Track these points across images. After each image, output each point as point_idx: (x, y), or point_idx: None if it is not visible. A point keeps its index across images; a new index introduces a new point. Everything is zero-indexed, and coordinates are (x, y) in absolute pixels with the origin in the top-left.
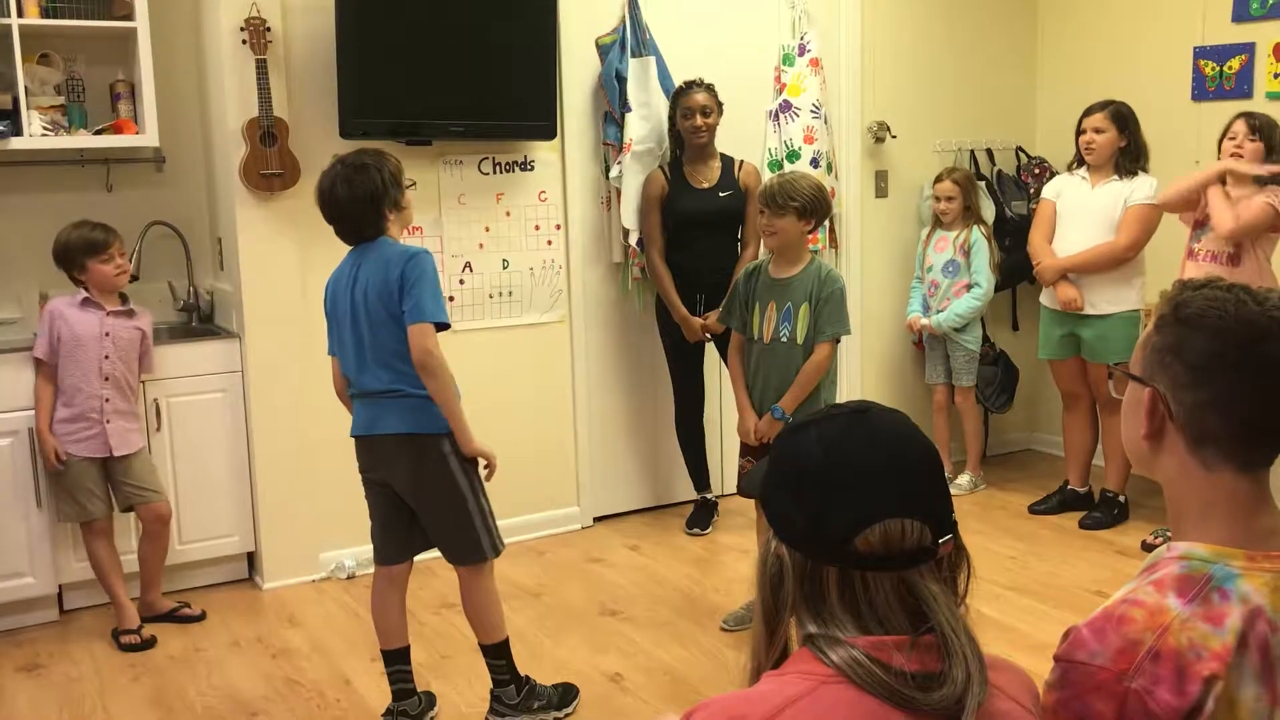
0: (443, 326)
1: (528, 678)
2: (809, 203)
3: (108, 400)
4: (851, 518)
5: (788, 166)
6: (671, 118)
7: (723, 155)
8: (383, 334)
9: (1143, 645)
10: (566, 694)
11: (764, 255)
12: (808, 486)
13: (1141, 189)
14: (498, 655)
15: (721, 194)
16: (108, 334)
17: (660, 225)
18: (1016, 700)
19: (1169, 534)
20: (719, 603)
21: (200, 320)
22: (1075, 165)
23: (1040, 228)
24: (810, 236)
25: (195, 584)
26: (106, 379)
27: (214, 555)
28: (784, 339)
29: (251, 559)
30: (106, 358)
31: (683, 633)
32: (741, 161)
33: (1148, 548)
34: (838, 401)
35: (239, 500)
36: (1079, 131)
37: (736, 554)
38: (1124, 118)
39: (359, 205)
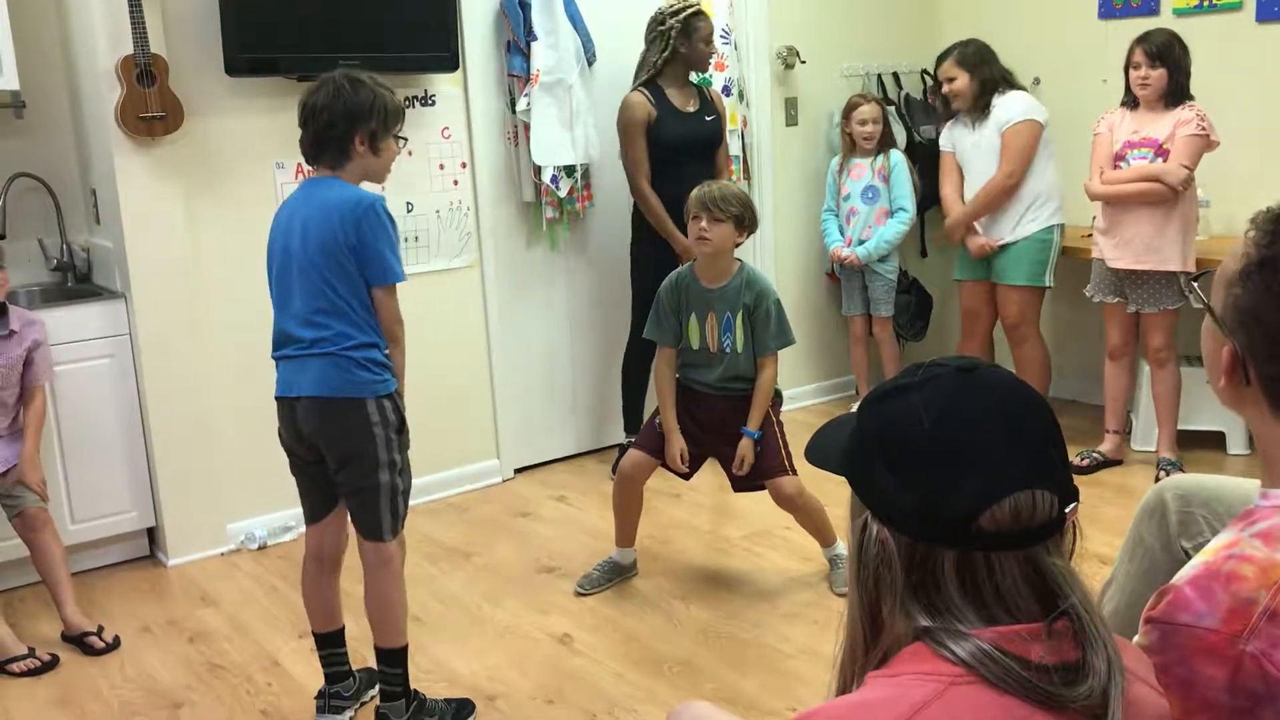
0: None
1: (417, 692)
2: (745, 212)
3: None
4: (974, 493)
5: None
6: (674, 39)
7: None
8: (316, 286)
9: (1257, 604)
10: (461, 710)
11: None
12: (916, 460)
13: (1009, 110)
14: (394, 662)
15: (707, 118)
16: None
17: (646, 151)
18: (1145, 680)
19: (1096, 455)
20: (658, 551)
21: (77, 280)
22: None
23: (948, 179)
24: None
25: (91, 565)
26: None
27: (111, 534)
28: (728, 349)
29: (153, 535)
30: None
31: (627, 586)
32: (709, 87)
33: (1075, 469)
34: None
35: (135, 473)
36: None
37: (666, 498)
38: (969, 58)
39: (333, 115)
